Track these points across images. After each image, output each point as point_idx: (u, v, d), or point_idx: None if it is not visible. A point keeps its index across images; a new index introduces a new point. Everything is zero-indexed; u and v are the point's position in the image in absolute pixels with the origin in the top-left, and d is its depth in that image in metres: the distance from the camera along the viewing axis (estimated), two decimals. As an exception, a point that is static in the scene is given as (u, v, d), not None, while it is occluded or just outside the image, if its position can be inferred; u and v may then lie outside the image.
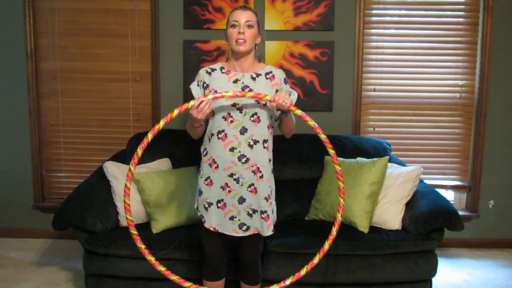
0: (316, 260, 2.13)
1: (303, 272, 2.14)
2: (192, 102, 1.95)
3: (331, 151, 2.08)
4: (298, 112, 2.02)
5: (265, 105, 2.10)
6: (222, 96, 1.97)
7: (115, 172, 2.88)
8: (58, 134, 3.64)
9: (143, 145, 1.95)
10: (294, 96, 2.19)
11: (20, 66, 3.57)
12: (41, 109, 3.62)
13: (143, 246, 2.06)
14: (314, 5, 3.45)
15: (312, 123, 2.04)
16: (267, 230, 2.13)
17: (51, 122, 3.63)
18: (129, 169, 1.99)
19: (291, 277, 2.15)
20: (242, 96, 1.98)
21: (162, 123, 1.92)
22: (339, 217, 2.11)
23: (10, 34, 3.56)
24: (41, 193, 3.70)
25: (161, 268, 2.06)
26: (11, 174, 3.70)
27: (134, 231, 2.04)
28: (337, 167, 2.09)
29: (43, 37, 3.56)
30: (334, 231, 2.11)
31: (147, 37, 3.52)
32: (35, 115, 3.60)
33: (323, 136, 2.07)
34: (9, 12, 3.54)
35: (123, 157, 3.18)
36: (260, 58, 2.23)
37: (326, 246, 2.12)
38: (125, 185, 2.00)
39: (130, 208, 2.03)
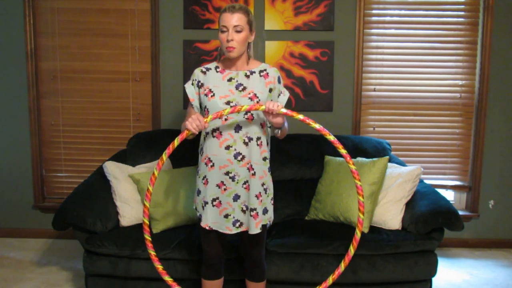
0: (342, 268, 2.11)
1: (329, 282, 2.14)
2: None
3: (343, 151, 2.04)
4: (283, 110, 1.98)
5: (258, 102, 2.10)
6: (222, 115, 1.97)
7: (115, 172, 2.88)
8: (58, 134, 3.64)
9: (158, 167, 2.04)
10: (285, 96, 2.21)
11: (20, 66, 3.57)
12: (41, 109, 3.62)
13: (160, 267, 2.13)
14: (314, 5, 3.45)
15: (299, 117, 1.99)
16: (255, 228, 2.13)
17: (51, 122, 3.63)
18: (145, 205, 2.05)
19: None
20: (237, 111, 1.98)
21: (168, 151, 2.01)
22: (361, 216, 2.05)
23: (10, 34, 3.56)
24: (41, 193, 3.70)
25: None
26: (11, 174, 3.69)
27: (152, 251, 2.10)
28: (352, 166, 2.04)
29: (43, 37, 3.56)
30: (358, 233, 2.07)
31: (147, 37, 3.52)
32: (35, 115, 3.60)
33: (317, 127, 2.01)
34: (9, 12, 3.54)
35: (123, 157, 3.18)
36: (250, 56, 2.20)
37: (352, 251, 2.09)
38: (146, 194, 2.06)
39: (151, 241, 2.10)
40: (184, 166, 3.04)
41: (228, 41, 2.06)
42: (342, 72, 3.51)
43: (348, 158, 2.05)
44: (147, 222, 2.07)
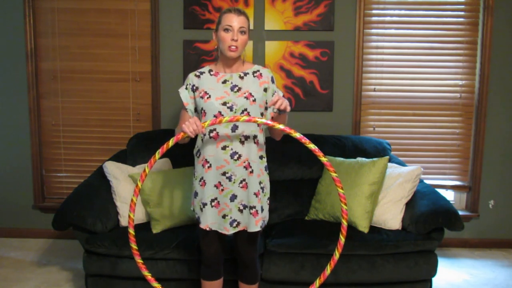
0: (328, 271, 2.07)
1: (316, 286, 2.10)
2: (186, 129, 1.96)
3: (323, 159, 1.99)
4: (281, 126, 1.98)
5: (254, 101, 2.12)
6: (220, 122, 1.97)
7: (115, 172, 2.88)
8: (58, 134, 3.64)
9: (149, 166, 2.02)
10: (279, 96, 2.21)
11: (20, 66, 3.57)
12: (41, 109, 3.62)
13: (135, 247, 2.11)
14: (314, 5, 3.45)
15: (279, 126, 1.99)
16: (255, 225, 2.14)
17: (51, 122, 3.63)
18: (136, 185, 2.03)
19: None
20: (236, 120, 1.97)
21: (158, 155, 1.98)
22: (344, 223, 2.03)
23: (10, 34, 3.56)
24: (41, 193, 3.70)
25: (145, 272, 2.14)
26: (11, 174, 3.70)
27: (131, 230, 2.07)
28: (333, 174, 2.01)
29: (43, 37, 3.56)
30: (342, 238, 2.04)
31: (147, 37, 3.52)
32: (35, 115, 3.60)
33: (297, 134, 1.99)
34: (9, 12, 3.54)
35: (123, 157, 3.18)
36: (243, 58, 2.23)
37: (337, 255, 2.05)
38: (130, 205, 2.04)
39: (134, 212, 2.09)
40: (184, 166, 3.04)
41: (233, 40, 2.08)
42: (342, 72, 3.52)
43: (329, 166, 2.00)
44: (132, 232, 2.06)
